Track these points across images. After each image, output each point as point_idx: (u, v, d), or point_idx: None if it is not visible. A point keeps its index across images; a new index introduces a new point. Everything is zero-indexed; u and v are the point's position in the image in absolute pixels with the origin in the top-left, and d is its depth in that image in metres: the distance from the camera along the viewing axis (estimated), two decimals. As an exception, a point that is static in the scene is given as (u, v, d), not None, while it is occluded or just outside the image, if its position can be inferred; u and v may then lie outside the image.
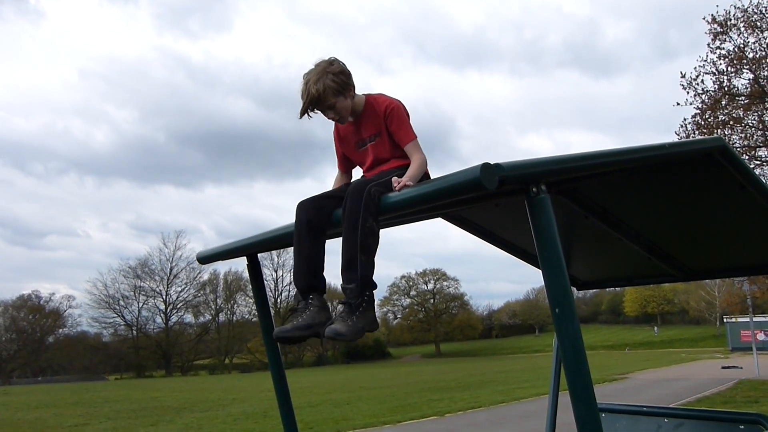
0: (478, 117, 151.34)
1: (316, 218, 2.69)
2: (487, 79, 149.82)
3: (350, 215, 2.47)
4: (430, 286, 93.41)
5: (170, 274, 78.77)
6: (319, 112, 2.80)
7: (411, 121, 2.87)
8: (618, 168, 2.56)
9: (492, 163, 1.97)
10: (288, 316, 2.72)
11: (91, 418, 18.37)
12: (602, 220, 3.46)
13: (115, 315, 76.46)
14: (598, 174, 2.63)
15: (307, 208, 2.71)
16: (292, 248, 2.77)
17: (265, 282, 4.00)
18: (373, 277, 2.55)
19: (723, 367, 26.64)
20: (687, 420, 4.75)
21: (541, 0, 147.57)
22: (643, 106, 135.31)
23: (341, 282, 2.52)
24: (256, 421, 15.17)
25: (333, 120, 2.86)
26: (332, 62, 2.77)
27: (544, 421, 5.89)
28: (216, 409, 19.89)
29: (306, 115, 2.80)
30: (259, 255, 3.69)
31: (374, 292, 2.60)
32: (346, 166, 3.13)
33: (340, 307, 2.50)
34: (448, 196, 2.16)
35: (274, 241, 3.20)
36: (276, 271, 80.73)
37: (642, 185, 3.12)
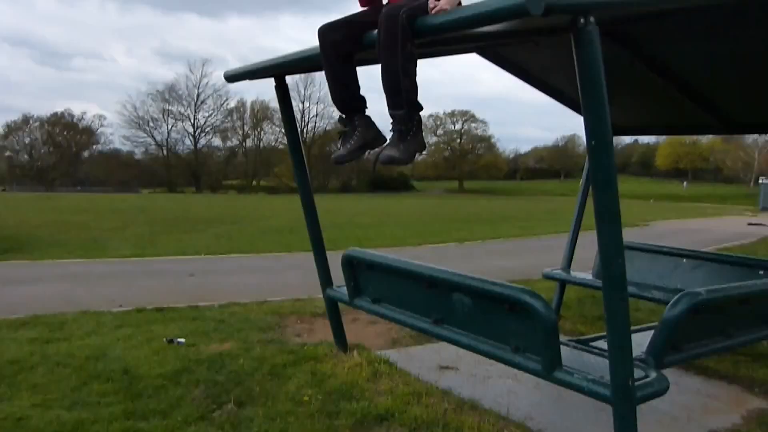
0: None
1: (342, 41, 2.69)
2: None
3: (387, 41, 2.45)
4: (458, 126, 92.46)
5: (197, 99, 78.84)
6: None
7: None
8: (673, 7, 2.38)
9: None
10: (339, 139, 2.83)
11: (128, 223, 19.38)
12: (650, 67, 3.37)
13: (146, 135, 78.14)
14: (651, 15, 2.49)
15: (332, 31, 2.71)
16: (324, 74, 2.79)
17: (294, 117, 3.98)
18: (418, 101, 2.58)
19: (749, 224, 26.58)
20: (706, 262, 4.78)
21: None
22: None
23: (388, 108, 2.57)
24: (283, 235, 15.88)
25: None
26: None
27: (561, 254, 5.99)
28: (245, 223, 20.76)
29: None
30: (287, 89, 3.71)
31: (421, 114, 2.63)
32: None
33: (392, 134, 2.59)
34: (490, 21, 2.03)
35: (303, 61, 3.12)
36: (303, 103, 79.61)
37: (696, 31, 2.94)
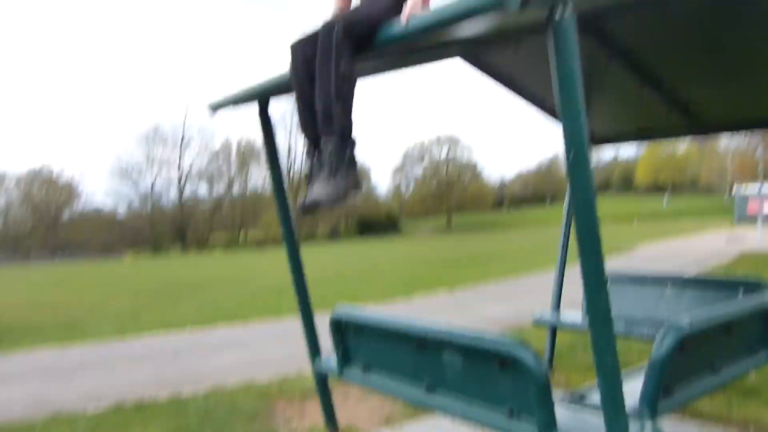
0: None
1: (314, 58, 2.40)
2: None
3: (321, 58, 2.25)
4: (444, 153, 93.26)
5: (183, 141, 79.23)
6: None
7: None
8: None
9: None
10: (306, 182, 2.49)
11: (110, 297, 19.01)
12: (625, 63, 3.35)
13: (129, 187, 78.08)
14: (628, 8, 2.50)
15: (303, 48, 2.45)
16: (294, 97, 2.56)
17: (278, 149, 3.78)
18: (353, 131, 2.35)
19: (727, 241, 26.79)
20: (689, 287, 4.82)
21: None
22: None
23: (320, 133, 2.34)
24: (272, 296, 15.64)
25: None
26: None
27: (550, 294, 5.89)
28: (232, 285, 20.48)
29: None
30: (271, 117, 3.57)
31: (354, 153, 2.37)
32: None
33: (318, 168, 2.34)
34: (466, 16, 1.96)
35: (288, 84, 2.94)
36: (290, 134, 78.93)
37: (673, 25, 2.93)
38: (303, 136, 2.56)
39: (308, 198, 2.22)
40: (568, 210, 5.01)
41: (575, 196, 2.00)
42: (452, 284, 15.92)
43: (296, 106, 2.54)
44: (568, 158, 1.99)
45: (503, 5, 1.79)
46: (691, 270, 15.47)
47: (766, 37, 2.92)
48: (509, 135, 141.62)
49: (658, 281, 5.06)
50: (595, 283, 2.05)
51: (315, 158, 2.45)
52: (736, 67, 3.49)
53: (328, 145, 2.28)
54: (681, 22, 2.92)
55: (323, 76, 2.26)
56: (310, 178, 2.42)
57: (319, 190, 2.24)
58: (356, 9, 2.41)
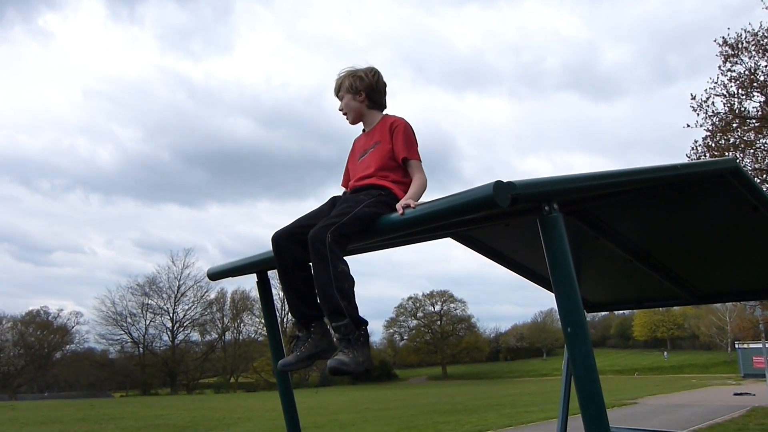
0: (479, 138, 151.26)
1: (301, 252, 2.68)
2: (487, 102, 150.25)
3: (317, 264, 2.48)
4: (437, 307, 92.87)
5: (178, 292, 78.71)
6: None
7: (418, 147, 2.95)
8: (630, 188, 2.55)
9: (505, 180, 1.95)
10: (291, 344, 2.72)
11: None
12: (613, 241, 3.44)
13: (123, 332, 76.25)
14: (609, 194, 2.61)
15: (290, 242, 2.73)
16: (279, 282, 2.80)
17: (276, 312, 3.90)
18: (360, 313, 2.54)
19: (735, 394, 26.18)
20: None
21: (538, 23, 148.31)
22: (643, 130, 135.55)
23: (330, 323, 2.55)
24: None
25: (340, 112, 3.17)
26: (366, 70, 3.11)
27: None
28: (221, 429, 19.74)
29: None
30: (269, 272, 3.64)
31: (366, 333, 2.58)
32: (347, 182, 3.17)
33: (338, 343, 2.51)
34: (461, 213, 2.14)
35: None
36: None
37: (653, 206, 3.08)
38: (293, 315, 2.77)
39: (332, 363, 2.43)
40: (567, 366, 5.00)
41: (576, 365, 2.04)
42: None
43: (283, 290, 2.75)
44: (565, 332, 2.07)
45: (496, 203, 1.92)
46: (701, 424, 15.12)
47: (748, 212, 3.02)
48: (502, 287, 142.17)
49: None
50: None
51: (300, 330, 2.72)
52: (722, 243, 3.59)
53: (341, 327, 2.47)
54: (660, 206, 3.05)
55: (323, 281, 2.46)
56: (295, 345, 2.71)
57: (341, 356, 2.42)
58: (341, 213, 2.58)
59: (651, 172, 2.44)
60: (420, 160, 2.89)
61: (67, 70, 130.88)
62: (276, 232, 2.76)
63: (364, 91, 3.05)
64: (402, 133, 2.89)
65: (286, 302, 2.82)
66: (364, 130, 3.15)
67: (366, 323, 2.56)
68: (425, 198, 2.67)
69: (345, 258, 2.55)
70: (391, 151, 2.87)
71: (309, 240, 2.51)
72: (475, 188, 2.02)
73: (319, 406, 27.98)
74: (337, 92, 3.13)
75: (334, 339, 2.55)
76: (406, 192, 2.73)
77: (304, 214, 2.91)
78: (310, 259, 2.65)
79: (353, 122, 3.15)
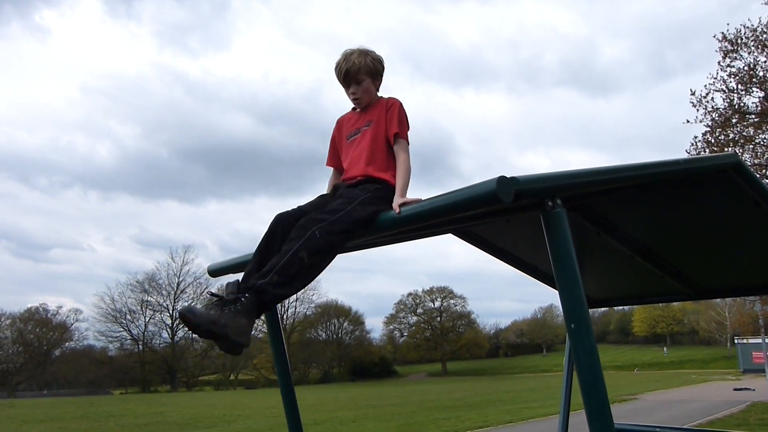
0: (477, 135, 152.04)
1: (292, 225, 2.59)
2: (485, 98, 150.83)
3: (289, 243, 2.38)
4: (437, 303, 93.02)
5: (177, 289, 78.85)
6: (346, 86, 2.93)
7: (408, 133, 2.88)
8: (633, 183, 2.52)
9: (508, 176, 1.93)
10: (212, 301, 2.33)
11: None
12: (614, 237, 3.42)
13: (122, 329, 76.39)
14: (611, 190, 2.59)
15: (287, 222, 2.60)
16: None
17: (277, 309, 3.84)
18: (272, 301, 2.29)
19: (735, 389, 26.27)
20: None
21: (536, 20, 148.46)
22: (640, 126, 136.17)
23: (243, 280, 2.36)
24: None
25: (353, 97, 2.95)
26: (374, 52, 2.96)
27: None
28: (221, 426, 19.76)
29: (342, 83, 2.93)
30: None
31: (259, 311, 2.29)
32: (335, 161, 3.12)
33: (225, 301, 2.23)
34: (464, 209, 2.11)
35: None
36: None
37: (655, 202, 3.07)
38: (243, 278, 2.50)
39: (188, 308, 2.17)
40: (569, 361, 5.01)
41: (579, 360, 2.03)
42: (451, 430, 15.45)
43: (255, 252, 2.60)
44: (569, 328, 2.06)
45: (499, 200, 1.90)
46: (701, 420, 15.15)
47: (749, 208, 3.01)
48: (501, 283, 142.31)
49: None
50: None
51: (230, 293, 2.32)
52: (723, 238, 3.56)
53: (245, 292, 2.26)
54: (660, 201, 3.03)
55: (282, 252, 2.35)
56: (212, 304, 2.29)
57: (208, 311, 2.18)
58: (334, 209, 2.48)
59: (654, 168, 2.43)
60: (408, 142, 2.85)
61: (65, 66, 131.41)
62: (279, 216, 2.68)
63: (381, 73, 2.96)
64: (397, 111, 2.84)
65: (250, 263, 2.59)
66: (354, 109, 3.04)
67: (261, 300, 2.26)
68: (424, 194, 2.62)
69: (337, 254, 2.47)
70: (385, 131, 2.83)
71: (299, 223, 2.44)
72: (478, 184, 2.00)
73: (318, 403, 28.02)
74: (356, 74, 2.88)
75: (226, 295, 2.26)
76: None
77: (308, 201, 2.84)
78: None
79: (365, 108, 2.97)
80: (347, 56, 2.89)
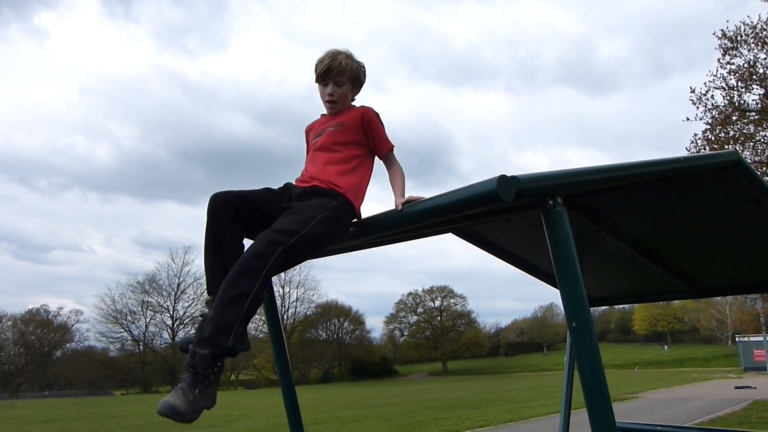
0: (476, 134, 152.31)
1: (239, 229, 2.46)
2: (483, 97, 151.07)
3: (243, 275, 2.16)
4: (437, 303, 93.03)
5: (177, 289, 78.86)
6: (323, 84, 2.78)
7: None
8: (633, 181, 2.52)
9: (508, 175, 1.94)
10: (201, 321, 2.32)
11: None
12: (615, 235, 3.42)
13: (123, 330, 76.39)
14: (611, 188, 2.59)
15: (227, 213, 2.44)
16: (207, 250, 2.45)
17: (277, 306, 3.77)
18: (231, 344, 2.15)
19: (736, 387, 26.25)
20: None
21: (534, 18, 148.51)
22: (639, 124, 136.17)
23: (197, 345, 2.13)
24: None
25: (328, 98, 2.79)
26: (360, 61, 2.86)
27: None
28: (222, 426, 19.76)
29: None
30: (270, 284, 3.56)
31: (223, 362, 2.19)
32: None
33: (185, 376, 2.12)
34: (464, 209, 2.11)
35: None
36: (283, 288, 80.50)
37: (655, 200, 3.06)
38: (207, 286, 2.41)
39: (164, 405, 2.02)
40: (570, 360, 5.01)
41: (581, 359, 2.03)
42: (452, 430, 15.44)
43: (207, 257, 2.42)
44: (570, 327, 2.05)
45: (499, 199, 1.90)
46: (703, 418, 15.14)
47: (750, 205, 3.00)
48: (501, 282, 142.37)
49: None
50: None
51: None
52: (724, 236, 3.55)
53: (197, 355, 2.10)
54: (660, 200, 3.04)
55: (238, 291, 2.14)
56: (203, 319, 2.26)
57: (177, 399, 2.05)
58: (292, 230, 2.29)
59: (654, 166, 2.42)
60: (394, 146, 2.79)
61: (63, 68, 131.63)
62: (216, 195, 2.45)
63: (362, 82, 2.85)
64: (377, 126, 2.74)
65: (205, 269, 2.43)
66: (323, 115, 2.91)
67: (230, 352, 2.16)
68: (423, 194, 2.63)
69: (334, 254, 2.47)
70: (357, 140, 2.72)
71: (258, 240, 2.25)
72: (478, 183, 2.00)
73: (319, 403, 28.00)
74: (338, 74, 2.75)
75: (187, 369, 2.12)
76: (358, 191, 2.63)
77: (252, 189, 2.63)
78: (243, 237, 2.47)
79: (335, 114, 2.81)
80: (334, 55, 2.76)
